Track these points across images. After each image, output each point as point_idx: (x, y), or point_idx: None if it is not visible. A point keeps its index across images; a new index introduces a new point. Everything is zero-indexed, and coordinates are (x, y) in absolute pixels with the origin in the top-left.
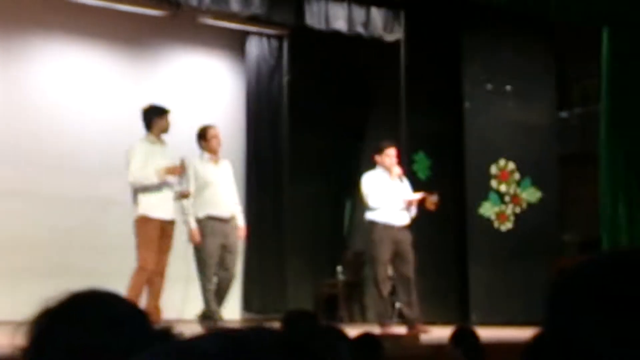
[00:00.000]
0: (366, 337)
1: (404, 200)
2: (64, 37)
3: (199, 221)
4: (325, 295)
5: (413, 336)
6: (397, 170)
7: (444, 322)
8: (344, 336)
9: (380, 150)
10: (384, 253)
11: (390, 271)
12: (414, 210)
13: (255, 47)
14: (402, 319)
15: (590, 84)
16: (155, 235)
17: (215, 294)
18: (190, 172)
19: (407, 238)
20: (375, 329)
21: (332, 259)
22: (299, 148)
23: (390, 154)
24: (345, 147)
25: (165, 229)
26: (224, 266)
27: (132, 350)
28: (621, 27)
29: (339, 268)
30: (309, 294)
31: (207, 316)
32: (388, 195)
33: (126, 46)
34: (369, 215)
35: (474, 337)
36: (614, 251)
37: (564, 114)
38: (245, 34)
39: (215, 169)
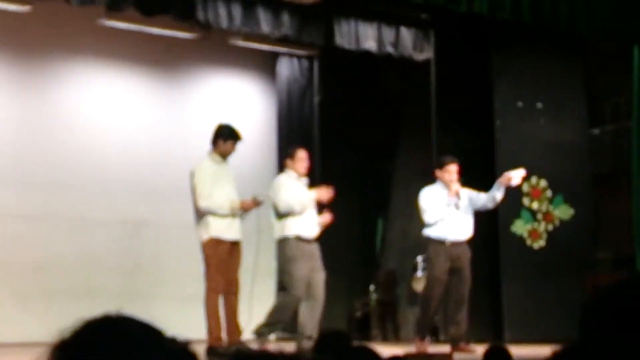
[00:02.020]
0: None
1: (503, 178)
2: (96, 60)
3: (287, 240)
4: (358, 315)
5: (445, 356)
6: (457, 186)
7: (478, 340)
8: (376, 356)
9: (441, 165)
10: (439, 269)
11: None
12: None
13: (285, 68)
14: (435, 337)
15: (621, 100)
16: (225, 257)
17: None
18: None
19: (464, 254)
20: (410, 349)
21: (366, 278)
22: (330, 167)
23: (451, 170)
24: (377, 165)
25: (234, 249)
26: (313, 287)
27: None
28: None
29: (372, 287)
30: (342, 313)
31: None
32: (446, 210)
33: (158, 69)
34: (426, 231)
35: (507, 355)
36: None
37: (595, 131)
38: (276, 54)
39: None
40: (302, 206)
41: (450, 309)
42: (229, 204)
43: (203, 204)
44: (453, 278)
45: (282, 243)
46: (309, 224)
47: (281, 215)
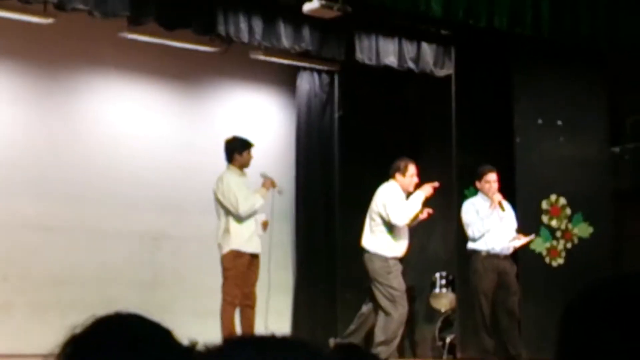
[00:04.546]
0: None
1: (509, 245)
2: (117, 73)
3: (381, 256)
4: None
5: None
6: (498, 197)
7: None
8: None
9: (479, 176)
10: (488, 284)
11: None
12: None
13: (306, 82)
14: (452, 355)
15: None
16: (243, 270)
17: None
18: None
19: (512, 268)
20: None
21: None
22: (349, 183)
23: (490, 180)
24: None
25: (253, 262)
26: None
27: None
28: None
29: None
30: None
31: None
32: (490, 223)
33: (178, 82)
34: (471, 245)
35: None
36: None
37: (616, 149)
38: (296, 69)
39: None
40: (410, 220)
41: (503, 325)
42: (256, 194)
43: (241, 209)
44: (500, 293)
45: (376, 258)
46: (403, 242)
47: (390, 226)
